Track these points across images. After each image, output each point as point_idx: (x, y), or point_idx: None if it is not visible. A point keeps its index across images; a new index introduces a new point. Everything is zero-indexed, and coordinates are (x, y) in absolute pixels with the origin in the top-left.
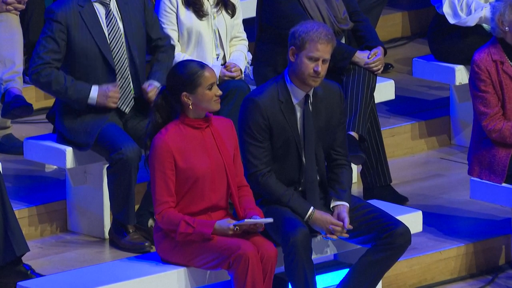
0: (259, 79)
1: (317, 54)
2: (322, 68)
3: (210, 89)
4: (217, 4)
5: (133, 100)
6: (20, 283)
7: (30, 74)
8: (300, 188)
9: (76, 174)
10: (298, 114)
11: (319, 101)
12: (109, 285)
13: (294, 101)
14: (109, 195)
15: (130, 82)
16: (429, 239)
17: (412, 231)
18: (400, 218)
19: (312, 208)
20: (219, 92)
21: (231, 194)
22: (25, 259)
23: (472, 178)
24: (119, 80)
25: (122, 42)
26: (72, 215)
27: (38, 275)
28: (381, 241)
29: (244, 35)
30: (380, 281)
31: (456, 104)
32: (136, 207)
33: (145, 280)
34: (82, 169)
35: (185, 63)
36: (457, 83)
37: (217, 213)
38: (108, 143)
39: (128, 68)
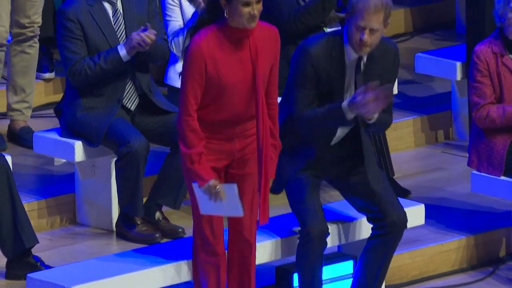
0: None
1: (363, 23)
2: (370, 38)
3: (245, 5)
4: None
5: (138, 97)
6: (29, 275)
7: (68, 78)
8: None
9: (85, 167)
10: (348, 74)
11: (373, 63)
12: (117, 276)
13: (347, 60)
14: (117, 188)
15: (135, 79)
16: (431, 231)
17: (415, 224)
18: None
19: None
20: (255, 12)
21: (256, 107)
22: (35, 251)
23: (473, 172)
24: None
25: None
26: (80, 208)
27: (48, 267)
28: (376, 230)
29: None
30: None
31: (458, 98)
32: (144, 199)
33: (151, 271)
34: (91, 162)
35: None
36: (458, 78)
37: (245, 124)
38: (116, 137)
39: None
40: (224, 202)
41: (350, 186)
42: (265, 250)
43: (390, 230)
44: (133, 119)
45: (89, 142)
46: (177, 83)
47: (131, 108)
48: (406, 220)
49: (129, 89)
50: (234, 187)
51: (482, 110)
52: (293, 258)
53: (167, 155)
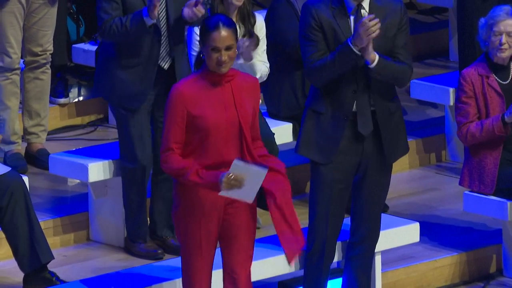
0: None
1: None
2: None
3: (213, 50)
4: (243, 36)
5: (170, 59)
6: None
7: (99, 35)
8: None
9: (98, 187)
10: (352, 22)
11: (375, 10)
12: None
13: (348, 9)
14: (124, 203)
15: (168, 40)
16: (425, 248)
17: (410, 241)
18: (398, 229)
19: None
20: (223, 59)
21: (244, 151)
22: (51, 266)
23: (465, 192)
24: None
25: (163, 1)
26: (93, 226)
27: (62, 282)
28: (351, 244)
29: (267, 63)
30: (380, 286)
31: (451, 122)
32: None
33: (161, 286)
34: (103, 183)
35: (215, 15)
36: (451, 103)
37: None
38: (127, 146)
39: (166, 26)
40: (244, 186)
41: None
42: (268, 266)
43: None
44: (152, 112)
45: (128, 102)
46: None
47: (165, 67)
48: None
49: (165, 49)
50: (263, 173)
51: (463, 128)
52: (294, 274)
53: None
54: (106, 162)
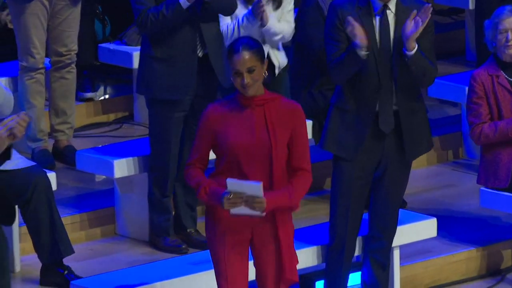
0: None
1: None
2: None
3: (236, 74)
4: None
5: (204, 47)
6: (73, 282)
7: (137, 27)
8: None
9: (123, 183)
10: (377, 23)
11: (401, 11)
12: (153, 283)
13: (373, 10)
14: (148, 199)
15: (201, 30)
16: (443, 243)
17: (427, 236)
18: (416, 224)
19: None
20: (246, 81)
21: (273, 179)
22: (77, 260)
23: (482, 188)
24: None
25: None
26: (119, 220)
27: (77, 278)
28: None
29: (292, 23)
30: (399, 281)
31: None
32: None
33: (185, 279)
34: (129, 179)
35: (238, 38)
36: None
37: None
38: (157, 146)
39: (197, 15)
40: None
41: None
42: None
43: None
44: (186, 119)
45: (169, 94)
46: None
47: (199, 54)
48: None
49: (198, 37)
50: (258, 186)
51: (476, 128)
52: (316, 267)
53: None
54: (131, 158)
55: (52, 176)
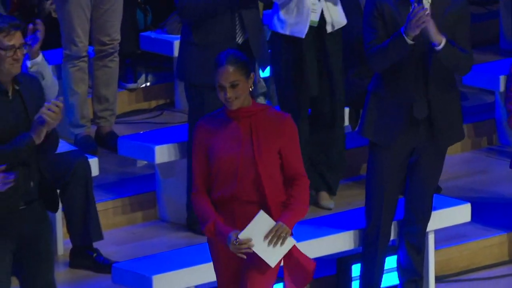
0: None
1: None
2: None
3: (219, 87)
4: None
5: (244, 33)
6: (115, 265)
7: (179, 14)
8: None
9: (164, 168)
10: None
11: (438, 1)
12: (193, 266)
13: (411, 0)
14: (188, 183)
15: (241, 14)
16: (477, 228)
17: (462, 221)
18: (450, 209)
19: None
20: (228, 96)
21: (265, 192)
22: (118, 244)
23: None
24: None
25: None
26: (160, 205)
27: (107, 261)
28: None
29: None
30: (433, 264)
31: (501, 108)
32: None
33: None
34: (170, 164)
35: (225, 50)
36: (501, 90)
37: (246, 207)
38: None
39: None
40: (257, 241)
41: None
42: (328, 243)
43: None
44: None
45: (210, 79)
46: (278, 28)
47: (239, 41)
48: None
49: (238, 23)
50: (261, 215)
51: None
52: (353, 251)
53: None
54: (171, 144)
55: (94, 161)
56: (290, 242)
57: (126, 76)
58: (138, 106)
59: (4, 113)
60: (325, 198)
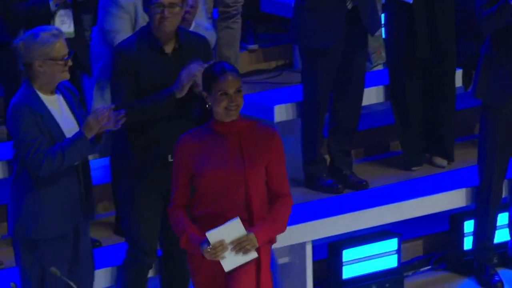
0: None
1: None
2: None
3: (223, 94)
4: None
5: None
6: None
7: None
8: None
9: (283, 126)
10: None
11: None
12: (309, 222)
13: None
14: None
15: None
16: None
17: None
18: None
19: None
20: (234, 103)
21: (252, 208)
22: None
23: None
24: None
25: None
26: None
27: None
28: None
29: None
30: None
31: None
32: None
33: (340, 218)
34: (288, 122)
35: (217, 62)
36: None
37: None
38: (308, 98)
39: None
40: (231, 247)
41: None
42: (442, 199)
43: None
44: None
45: (319, 42)
46: None
47: (349, 7)
48: None
49: None
50: (237, 222)
51: None
52: (466, 208)
53: None
54: (289, 104)
55: None
56: (252, 255)
57: (247, 37)
58: (258, 67)
59: (159, 69)
60: (438, 157)
